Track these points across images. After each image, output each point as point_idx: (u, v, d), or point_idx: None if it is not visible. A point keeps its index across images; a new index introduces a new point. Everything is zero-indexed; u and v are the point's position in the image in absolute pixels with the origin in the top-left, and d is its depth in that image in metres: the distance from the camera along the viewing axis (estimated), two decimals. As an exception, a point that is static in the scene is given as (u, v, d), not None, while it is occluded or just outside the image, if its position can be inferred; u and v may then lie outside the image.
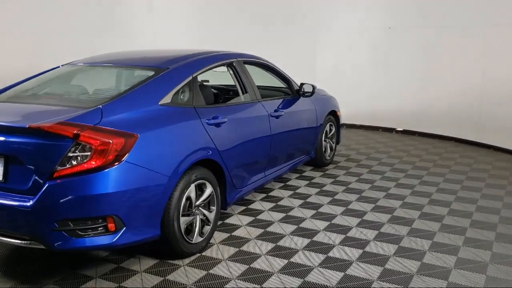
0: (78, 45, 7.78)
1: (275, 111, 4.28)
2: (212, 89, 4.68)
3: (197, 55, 3.76)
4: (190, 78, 3.44)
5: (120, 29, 8.65)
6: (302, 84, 4.85)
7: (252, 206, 4.20)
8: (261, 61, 4.53)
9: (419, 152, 6.36)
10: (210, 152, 3.33)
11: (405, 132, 7.74)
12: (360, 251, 3.31)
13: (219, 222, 3.76)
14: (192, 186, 3.16)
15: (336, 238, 3.53)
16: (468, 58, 6.80)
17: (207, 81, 5.62)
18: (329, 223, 3.82)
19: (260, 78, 5.18)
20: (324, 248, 3.36)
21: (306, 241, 3.48)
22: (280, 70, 4.78)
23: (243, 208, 4.14)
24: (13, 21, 8.31)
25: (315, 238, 3.52)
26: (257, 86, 5.29)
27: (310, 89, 4.85)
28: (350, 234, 3.60)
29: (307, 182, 4.96)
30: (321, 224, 3.79)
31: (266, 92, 5.11)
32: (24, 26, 8.35)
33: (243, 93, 4.07)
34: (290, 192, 4.60)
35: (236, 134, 3.67)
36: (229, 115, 3.63)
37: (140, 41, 8.34)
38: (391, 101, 7.76)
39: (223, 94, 4.51)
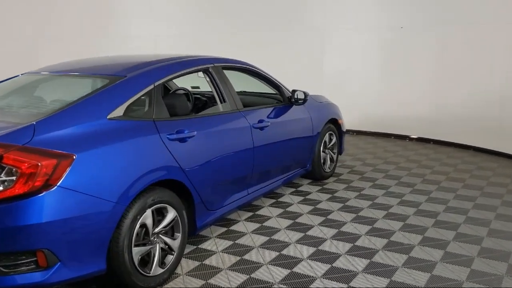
0: (72, 49, 7.53)
1: (260, 121, 3.85)
2: (199, 96, 4.30)
3: (165, 61, 3.37)
4: (151, 87, 3.04)
5: (116, 32, 8.38)
6: (294, 91, 4.41)
7: (234, 227, 3.78)
8: (245, 66, 4.11)
9: (431, 163, 5.81)
10: (172, 171, 2.93)
11: (420, 140, 7.18)
12: (346, 285, 2.85)
13: (220, 231, 3.36)
14: (149, 212, 2.76)
15: (320, 269, 3.07)
16: (488, 60, 6.21)
17: (197, 87, 5.25)
18: (315, 249, 3.37)
19: (250, 85, 4.78)
20: (305, 281, 2.91)
21: (286, 271, 3.04)
22: (269, 76, 4.35)
23: (223, 229, 3.73)
24: (6, 24, 8.14)
25: (295, 269, 3.08)
26: (244, 93, 4.94)
27: (303, 96, 4.40)
28: (337, 264, 3.14)
29: (301, 198, 4.50)
30: (305, 251, 3.34)
31: (255, 100, 4.72)
32: (16, 29, 8.17)
33: (221, 102, 3.65)
34: (280, 211, 4.15)
35: (208, 149, 3.26)
36: (199, 128, 3.22)
37: (138, 44, 8.03)
38: (404, 106, 7.22)
39: (200, 103, 4.10)
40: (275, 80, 4.41)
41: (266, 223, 3.87)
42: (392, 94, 7.29)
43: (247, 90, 4.96)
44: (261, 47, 7.96)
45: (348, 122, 7.82)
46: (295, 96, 4.37)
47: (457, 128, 6.66)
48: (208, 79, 3.65)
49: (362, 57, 7.56)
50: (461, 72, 6.49)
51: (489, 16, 6.15)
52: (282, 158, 4.24)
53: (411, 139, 7.25)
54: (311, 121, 4.66)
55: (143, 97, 3.01)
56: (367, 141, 7.24)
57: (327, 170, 5.09)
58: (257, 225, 3.83)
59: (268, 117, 4.02)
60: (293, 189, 4.78)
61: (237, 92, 4.94)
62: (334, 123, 5.21)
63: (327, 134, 5.01)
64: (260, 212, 4.13)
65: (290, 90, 4.52)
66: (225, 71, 3.91)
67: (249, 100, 4.81)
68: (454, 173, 5.35)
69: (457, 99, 6.59)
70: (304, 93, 4.39)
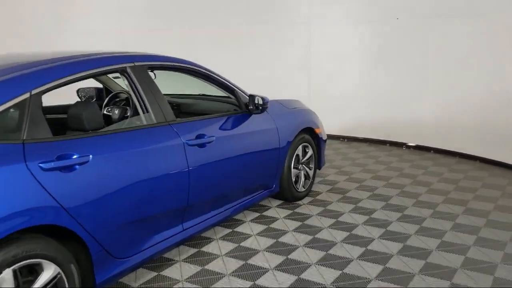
0: (31, 44, 6.75)
1: (199, 137, 3.01)
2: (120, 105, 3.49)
3: (58, 60, 2.54)
4: (25, 96, 2.22)
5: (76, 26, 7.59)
6: (251, 96, 3.56)
7: (165, 272, 2.96)
8: (184, 65, 3.26)
9: (429, 178, 4.93)
10: (47, 213, 2.12)
11: (418, 148, 6.29)
12: None
13: None
14: (6, 273, 1.95)
15: None
16: (499, 56, 5.30)
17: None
18: (260, 309, 2.54)
19: (202, 90, 3.97)
20: None
21: None
22: (219, 78, 3.50)
23: (153, 275, 2.91)
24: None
25: None
26: (195, 98, 4.12)
27: (260, 103, 3.55)
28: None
29: (261, 228, 3.66)
30: (245, 313, 2.51)
31: (210, 107, 3.90)
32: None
33: (143, 112, 2.83)
34: (230, 247, 3.32)
35: (111, 179, 2.44)
36: (98, 151, 2.40)
37: (100, 38, 7.23)
38: (401, 110, 6.33)
39: (116, 114, 3.29)
40: (229, 83, 3.56)
41: (207, 266, 3.04)
42: (388, 95, 6.40)
43: (207, 94, 4.15)
44: (240, 42, 7.11)
45: (338, 126, 6.98)
46: (254, 103, 3.53)
47: (461, 136, 5.76)
48: (126, 82, 2.83)
49: (353, 53, 6.68)
50: (467, 70, 5.59)
51: (501, 5, 5.24)
52: (235, 180, 3.41)
53: (409, 147, 6.36)
54: (277, 132, 3.81)
55: (12, 111, 2.20)
56: (358, 149, 6.36)
57: (301, 189, 4.24)
58: (197, 269, 3.00)
59: (213, 130, 3.18)
60: (256, 214, 3.95)
61: (191, 96, 4.20)
62: (311, 132, 4.37)
63: (300, 147, 4.16)
64: (205, 248, 3.30)
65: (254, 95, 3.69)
66: (158, 72, 3.10)
67: (203, 107, 3.99)
68: (455, 192, 4.46)
69: (462, 102, 5.68)
70: (263, 99, 3.54)
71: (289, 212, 4.00)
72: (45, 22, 7.80)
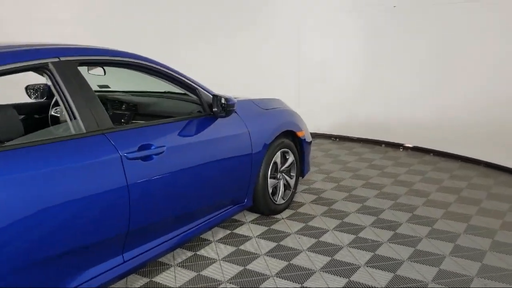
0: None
1: (142, 148, 2.46)
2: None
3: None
4: None
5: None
6: (215, 96, 2.99)
7: (101, 311, 2.44)
8: (128, 60, 2.67)
9: (427, 187, 4.38)
10: None
11: (417, 149, 5.74)
12: None
13: None
14: None
15: None
16: (507, 46, 4.73)
17: (106, 86, 3.91)
18: None
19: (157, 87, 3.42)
20: None
21: None
22: (177, 75, 2.93)
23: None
24: None
25: None
26: (152, 98, 3.59)
27: (232, 102, 2.99)
28: None
29: (229, 251, 3.13)
30: None
31: (166, 107, 3.38)
32: None
33: (71, 120, 2.28)
34: (188, 277, 2.79)
35: (19, 205, 1.90)
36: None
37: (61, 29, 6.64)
38: (398, 107, 5.78)
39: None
40: (189, 80, 3.00)
41: (154, 304, 2.52)
42: (384, 91, 5.85)
43: (173, 92, 3.60)
44: (220, 34, 6.55)
45: (330, 124, 6.43)
46: (219, 104, 2.97)
47: (464, 138, 5.21)
48: (49, 82, 2.28)
49: (346, 44, 6.11)
50: (472, 67, 5.02)
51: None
52: (194, 197, 2.86)
53: (406, 149, 5.81)
54: (249, 137, 3.26)
55: None
56: (351, 150, 5.81)
57: (279, 201, 3.70)
58: (139, 308, 2.48)
59: (164, 138, 2.63)
60: (225, 232, 3.42)
61: (153, 94, 3.65)
62: (292, 136, 3.83)
63: (278, 153, 3.62)
64: (158, 278, 2.77)
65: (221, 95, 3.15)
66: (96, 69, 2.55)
67: (164, 108, 3.45)
68: (456, 205, 3.92)
69: (466, 101, 5.13)
70: (227, 100, 2.97)
71: (264, 229, 3.47)
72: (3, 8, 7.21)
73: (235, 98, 3.53)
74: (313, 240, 3.26)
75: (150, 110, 3.41)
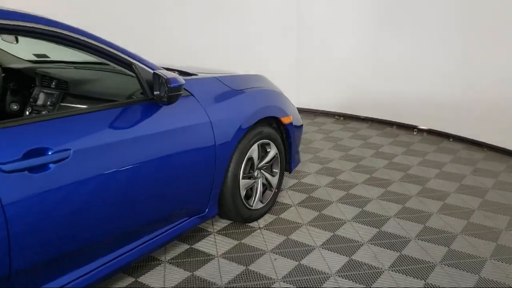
0: None
1: (30, 154, 1.69)
2: None
3: None
4: None
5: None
6: (155, 75, 2.17)
7: None
8: (32, 25, 1.85)
9: (444, 185, 3.57)
10: None
11: (433, 133, 4.88)
12: None
13: None
14: None
15: None
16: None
17: (44, 56, 3.14)
18: None
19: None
20: None
21: None
22: (105, 46, 2.11)
23: None
24: None
25: None
26: (94, 73, 2.80)
27: (175, 85, 2.17)
28: None
29: (182, 276, 2.40)
30: None
31: (106, 86, 2.60)
32: None
33: None
34: (115, 319, 2.09)
35: None
36: None
37: None
38: (414, 84, 4.89)
39: None
40: (124, 52, 2.18)
41: None
42: (398, 64, 4.95)
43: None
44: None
45: (334, 101, 5.58)
46: (160, 86, 2.15)
47: (492, 122, 4.34)
48: None
49: (353, 9, 5.18)
50: (500, 39, 4.10)
51: None
52: (117, 217, 2.09)
53: (421, 131, 4.96)
54: (211, 129, 2.47)
55: None
56: (356, 133, 4.98)
57: (256, 206, 2.94)
58: None
59: (69, 138, 1.85)
60: (183, 247, 2.69)
61: (99, 66, 2.84)
62: (277, 123, 3.04)
63: (255, 146, 2.83)
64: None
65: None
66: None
67: (102, 88, 2.68)
68: (480, 214, 3.12)
69: (496, 78, 4.22)
70: (169, 81, 2.15)
71: (233, 244, 2.72)
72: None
73: (199, 73, 2.74)
74: (293, 264, 2.52)
75: (84, 89, 2.62)
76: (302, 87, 5.68)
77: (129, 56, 2.19)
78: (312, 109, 5.71)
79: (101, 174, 1.92)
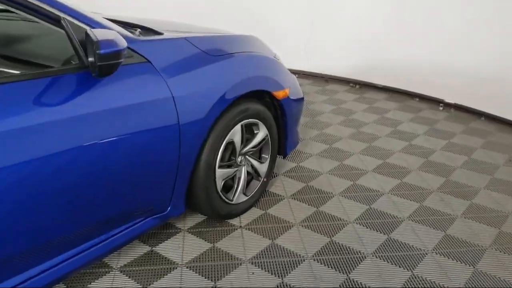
0: None
1: None
2: None
3: None
4: None
5: None
6: (87, 37, 1.57)
7: None
8: None
9: (474, 180, 2.95)
10: None
11: (462, 109, 4.21)
12: None
13: None
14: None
15: None
16: None
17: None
18: None
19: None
20: None
21: None
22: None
23: None
24: None
25: None
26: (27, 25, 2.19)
27: (107, 50, 1.57)
28: None
29: (129, 293, 1.91)
30: None
31: (41, 44, 2.02)
32: None
33: None
34: None
35: None
36: None
37: None
38: (442, 51, 4.17)
39: None
40: (49, 3, 1.58)
41: None
42: (424, 28, 4.22)
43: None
44: None
45: (349, 66, 4.89)
46: (93, 51, 1.56)
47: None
48: None
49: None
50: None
51: None
52: (43, 219, 1.58)
53: (447, 106, 4.28)
54: (173, 105, 1.87)
55: None
56: (372, 105, 4.32)
57: (238, 199, 2.40)
58: None
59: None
60: (143, 249, 2.17)
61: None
62: (270, 97, 2.45)
63: (237, 127, 2.24)
64: None
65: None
66: None
67: (34, 48, 2.09)
68: (517, 217, 2.52)
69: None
70: (101, 44, 1.55)
71: (204, 248, 2.20)
72: None
73: (167, 31, 2.14)
74: (274, 281, 1.99)
75: (10, 48, 2.03)
76: (313, 48, 4.99)
77: (57, 8, 1.60)
78: (323, 74, 5.03)
79: (16, 165, 1.39)
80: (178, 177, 2.02)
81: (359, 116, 3.99)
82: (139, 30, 2.10)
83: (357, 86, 4.85)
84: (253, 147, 2.41)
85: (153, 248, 2.18)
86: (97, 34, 1.55)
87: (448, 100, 4.27)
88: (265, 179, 2.55)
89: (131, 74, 1.77)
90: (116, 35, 1.62)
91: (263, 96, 2.44)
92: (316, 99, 4.39)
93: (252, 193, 2.48)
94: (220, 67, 2.13)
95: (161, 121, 1.84)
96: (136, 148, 1.77)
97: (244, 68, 2.26)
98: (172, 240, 2.25)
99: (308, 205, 2.58)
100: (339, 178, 2.89)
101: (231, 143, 2.25)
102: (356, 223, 2.42)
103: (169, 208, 2.06)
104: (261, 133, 2.42)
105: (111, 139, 1.67)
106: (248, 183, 2.48)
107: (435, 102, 4.35)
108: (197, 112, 1.98)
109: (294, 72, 5.29)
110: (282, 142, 2.67)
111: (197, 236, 2.28)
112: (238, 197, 2.39)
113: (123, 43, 1.60)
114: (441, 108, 4.26)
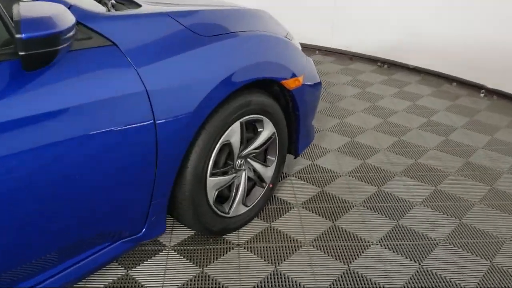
0: None
1: None
2: None
3: None
4: None
5: None
6: (15, 23, 1.12)
7: None
8: None
9: (523, 186, 2.46)
10: None
11: (505, 97, 3.64)
12: None
13: None
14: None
15: None
16: None
17: None
18: None
19: None
20: None
21: None
22: None
23: None
24: None
25: None
26: None
27: (30, 35, 1.11)
28: None
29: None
30: None
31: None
32: None
33: None
34: None
35: None
36: None
37: None
38: (481, 29, 3.59)
39: None
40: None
41: None
42: (465, 1, 3.63)
43: None
44: None
45: (377, 44, 4.33)
46: (19, 36, 1.11)
47: None
48: None
49: None
50: None
51: None
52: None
53: (489, 93, 3.71)
54: (147, 101, 1.42)
55: None
56: (402, 89, 3.79)
57: (235, 212, 1.96)
58: None
59: None
60: (118, 273, 1.77)
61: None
62: (279, 87, 1.99)
63: (235, 125, 1.79)
64: None
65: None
66: None
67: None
68: None
69: None
70: (28, 24, 1.09)
71: (191, 273, 1.79)
72: None
73: (144, 3, 1.68)
74: (273, 326, 1.57)
75: None
76: (339, 22, 4.44)
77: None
78: (347, 51, 4.49)
79: None
80: (156, 191, 1.59)
81: (387, 103, 3.48)
82: (113, 1, 1.64)
83: (385, 66, 4.30)
84: (256, 149, 1.96)
85: (129, 272, 1.78)
86: (25, 9, 1.10)
87: (490, 86, 3.71)
88: (270, 185, 2.11)
89: (87, 62, 1.32)
90: (59, 10, 1.16)
91: (270, 85, 1.98)
92: (337, 80, 3.88)
93: (254, 203, 2.05)
94: (214, 50, 1.66)
95: (128, 120, 1.39)
96: (89, 157, 1.34)
97: (246, 51, 1.78)
98: (154, 261, 1.85)
99: (323, 217, 2.14)
100: (361, 182, 2.43)
101: (226, 145, 1.81)
102: (381, 245, 1.97)
103: (143, 229, 1.64)
104: (267, 131, 1.96)
105: (55, 146, 1.24)
106: (249, 190, 2.05)
107: (475, 88, 3.79)
108: (181, 108, 1.53)
109: (314, 48, 4.80)
110: (294, 139, 2.21)
111: (184, 257, 1.87)
112: (237, 208, 1.96)
113: (64, 23, 1.14)
114: (482, 95, 3.70)
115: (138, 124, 1.41)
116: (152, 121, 1.45)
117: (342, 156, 2.68)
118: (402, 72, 4.17)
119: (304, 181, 2.42)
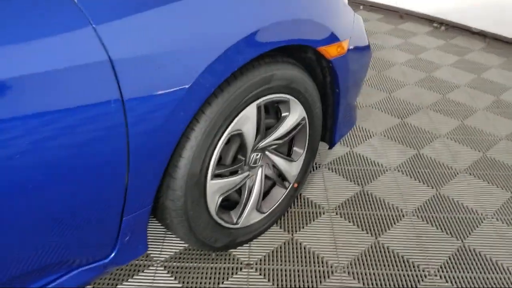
0: None
1: None
2: None
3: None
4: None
5: None
6: None
7: None
8: None
9: None
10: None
11: None
12: None
13: None
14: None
15: None
16: None
17: None
18: None
19: None
20: None
21: None
22: None
23: None
24: None
25: None
26: None
27: None
28: None
29: None
30: None
31: None
32: None
33: None
34: None
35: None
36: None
37: None
38: None
39: None
40: None
41: None
42: None
43: None
44: None
45: (434, 2, 3.64)
46: None
47: None
48: None
49: None
50: None
51: None
52: None
53: None
54: (112, 73, 0.92)
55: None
56: (463, 57, 3.13)
57: (246, 222, 1.47)
58: None
59: None
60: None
61: None
62: (315, 54, 1.44)
63: (249, 110, 1.26)
64: None
65: None
66: None
67: None
68: None
69: None
70: None
71: (180, 306, 1.34)
72: None
73: None
74: None
75: None
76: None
77: None
78: (398, 8, 3.81)
79: None
80: (130, 201, 1.11)
81: (445, 74, 2.86)
82: None
83: (443, 28, 3.61)
84: (278, 139, 1.44)
85: (100, 297, 1.34)
86: None
87: None
88: (295, 185, 1.60)
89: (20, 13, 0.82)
90: None
91: (301, 52, 1.43)
92: (385, 43, 3.26)
93: (272, 209, 1.55)
94: (214, 1, 1.11)
95: (80, 101, 0.89)
96: (27, 156, 0.86)
97: (268, 2, 1.23)
98: (138, 280, 1.40)
99: (362, 230, 1.63)
100: (415, 181, 1.89)
101: (238, 135, 1.30)
102: (441, 274, 1.45)
103: (112, 253, 1.17)
104: (294, 115, 1.43)
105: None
106: (266, 193, 1.55)
107: (555, 58, 3.11)
108: (166, 84, 1.02)
109: (358, 3, 4.13)
110: (330, 124, 1.67)
111: (174, 278, 1.41)
112: (248, 217, 1.47)
113: None
114: None
115: (91, 102, 0.91)
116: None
117: (390, 144, 2.13)
118: (463, 35, 3.48)
119: (340, 175, 1.90)
